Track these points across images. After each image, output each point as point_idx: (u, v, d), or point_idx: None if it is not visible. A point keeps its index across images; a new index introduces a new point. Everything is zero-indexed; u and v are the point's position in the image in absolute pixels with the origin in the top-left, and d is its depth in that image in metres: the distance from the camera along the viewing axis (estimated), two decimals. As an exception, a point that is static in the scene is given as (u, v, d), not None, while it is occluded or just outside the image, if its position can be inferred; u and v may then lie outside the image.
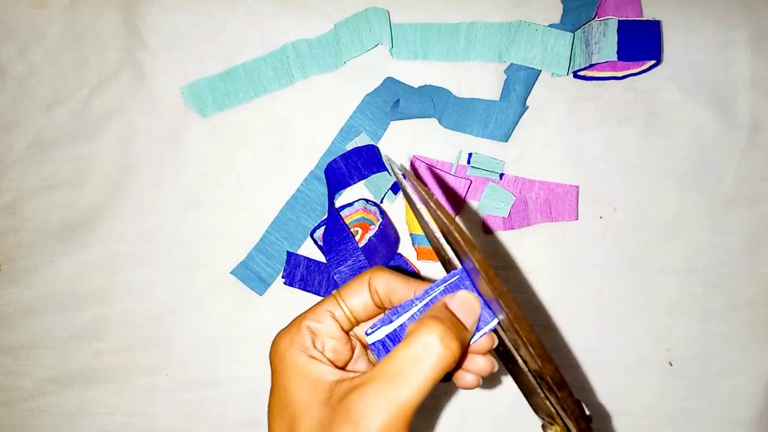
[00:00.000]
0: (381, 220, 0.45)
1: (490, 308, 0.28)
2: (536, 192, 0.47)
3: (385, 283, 0.30)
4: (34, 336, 0.48)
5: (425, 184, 0.28)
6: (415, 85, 0.48)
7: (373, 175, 0.47)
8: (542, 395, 0.27)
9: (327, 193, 0.47)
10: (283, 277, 0.47)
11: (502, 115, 0.47)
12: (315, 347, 0.29)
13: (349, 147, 0.47)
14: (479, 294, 0.28)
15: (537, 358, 0.24)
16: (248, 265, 0.47)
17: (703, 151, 0.48)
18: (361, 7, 0.46)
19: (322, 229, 0.46)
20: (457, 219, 0.48)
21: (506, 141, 0.48)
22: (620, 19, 0.46)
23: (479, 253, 0.25)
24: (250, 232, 0.48)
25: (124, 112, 0.48)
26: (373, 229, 0.45)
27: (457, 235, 0.25)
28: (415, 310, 0.28)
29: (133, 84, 0.48)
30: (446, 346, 0.25)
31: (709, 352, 0.48)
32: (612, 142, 0.48)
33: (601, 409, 0.48)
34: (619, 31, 0.46)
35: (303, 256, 0.47)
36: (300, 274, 0.46)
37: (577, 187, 0.48)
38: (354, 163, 0.47)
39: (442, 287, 0.28)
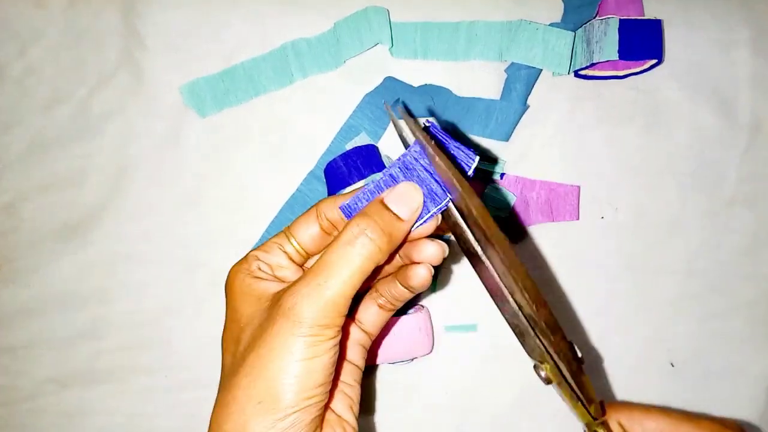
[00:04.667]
0: (381, 220, 0.45)
1: (445, 189, 0.29)
2: (537, 192, 0.47)
3: (334, 206, 0.31)
4: (34, 336, 0.48)
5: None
6: (415, 85, 0.47)
7: (373, 175, 0.47)
8: (534, 336, 0.28)
9: (327, 192, 0.47)
10: (283, 277, 0.47)
11: (502, 115, 0.46)
12: (261, 270, 0.31)
13: (349, 147, 0.47)
14: (436, 176, 0.29)
15: (532, 303, 0.25)
16: (248, 265, 0.47)
17: (704, 151, 0.48)
18: (361, 6, 0.46)
19: (322, 229, 0.46)
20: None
21: (507, 140, 0.48)
22: (621, 18, 0.45)
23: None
24: (250, 232, 0.48)
25: (124, 112, 0.48)
26: (373, 229, 0.45)
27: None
28: (371, 185, 0.30)
29: (132, 84, 0.48)
30: (370, 239, 0.27)
31: (709, 353, 0.48)
32: (613, 142, 0.48)
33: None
34: (620, 30, 0.45)
35: (303, 256, 0.47)
36: (300, 274, 0.46)
37: (578, 186, 0.48)
38: (354, 163, 0.47)
39: (397, 167, 0.30)
